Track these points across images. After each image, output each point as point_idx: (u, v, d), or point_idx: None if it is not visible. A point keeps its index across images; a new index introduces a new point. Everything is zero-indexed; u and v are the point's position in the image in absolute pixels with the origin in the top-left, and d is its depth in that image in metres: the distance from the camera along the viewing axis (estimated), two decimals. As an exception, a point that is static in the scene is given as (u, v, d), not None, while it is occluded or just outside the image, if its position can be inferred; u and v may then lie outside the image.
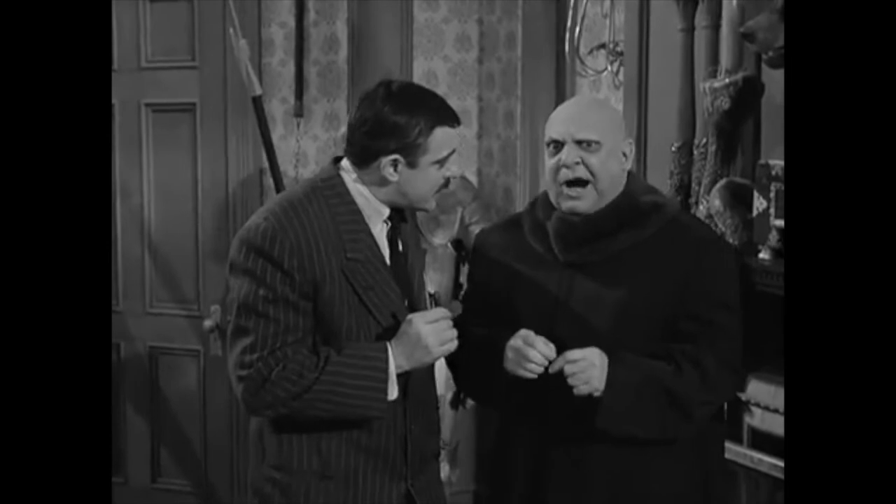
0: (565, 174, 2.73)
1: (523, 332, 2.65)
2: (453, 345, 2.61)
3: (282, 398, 2.54)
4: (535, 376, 2.63)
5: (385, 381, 2.55)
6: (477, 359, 2.77)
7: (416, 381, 2.68)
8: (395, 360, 2.56)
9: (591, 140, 2.71)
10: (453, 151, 2.64)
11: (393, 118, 2.57)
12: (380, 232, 2.66)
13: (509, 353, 2.66)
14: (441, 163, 2.62)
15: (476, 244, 3.03)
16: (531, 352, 2.62)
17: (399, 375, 2.58)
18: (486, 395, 2.98)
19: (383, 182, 2.61)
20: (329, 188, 2.64)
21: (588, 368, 2.60)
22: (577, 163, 2.71)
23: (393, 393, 2.57)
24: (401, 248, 2.71)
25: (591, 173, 2.72)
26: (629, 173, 2.83)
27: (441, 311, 2.61)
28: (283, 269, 2.53)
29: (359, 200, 2.63)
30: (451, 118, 2.62)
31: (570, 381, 2.60)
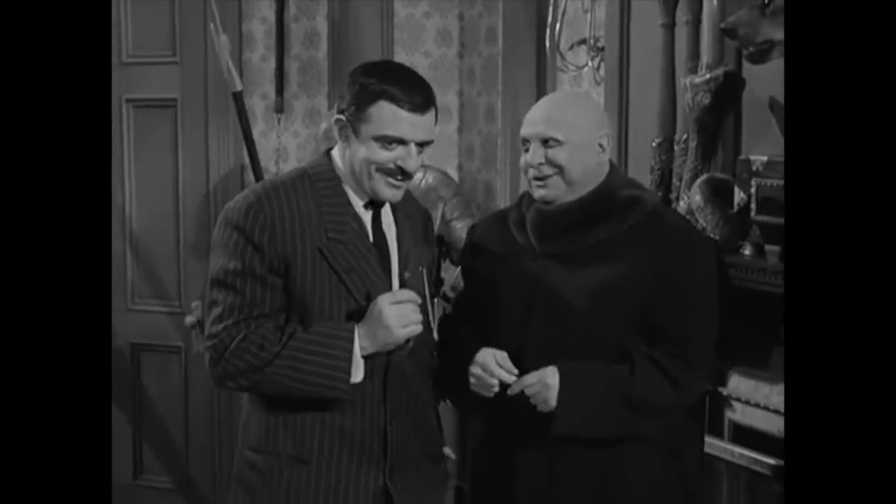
0: (532, 172, 2.78)
1: (480, 358, 2.71)
2: (417, 328, 2.58)
3: (241, 369, 2.55)
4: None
5: (349, 360, 2.54)
6: (451, 366, 2.82)
7: (397, 372, 2.65)
8: (361, 342, 2.55)
9: (556, 139, 2.73)
10: (403, 141, 2.55)
11: (355, 77, 2.58)
12: (368, 217, 2.66)
13: (472, 379, 2.73)
14: (382, 141, 2.54)
15: (468, 236, 3.06)
16: (490, 379, 2.70)
17: (370, 359, 2.57)
18: (459, 400, 3.02)
19: (343, 152, 2.61)
20: (318, 173, 2.65)
21: (544, 390, 2.68)
22: (542, 163, 2.75)
23: (357, 375, 2.56)
24: (392, 234, 2.69)
25: (558, 167, 2.74)
26: (611, 167, 2.85)
27: (407, 294, 2.58)
28: (253, 242, 2.55)
29: (347, 184, 2.63)
30: (409, 101, 2.53)
31: (532, 401, 2.69)
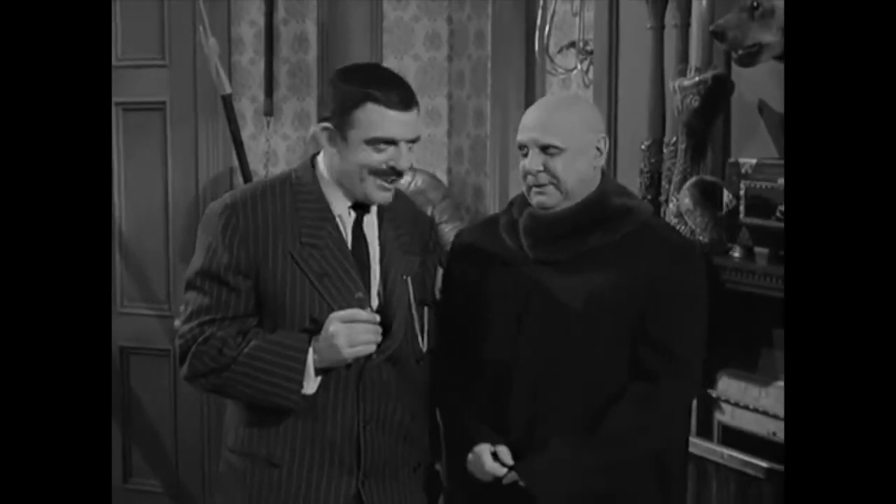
0: (530, 180, 2.76)
1: (478, 451, 2.71)
2: (367, 348, 2.55)
3: (201, 371, 2.58)
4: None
5: (301, 372, 2.53)
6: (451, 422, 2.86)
7: (373, 378, 2.63)
8: (315, 354, 2.54)
9: (554, 145, 2.71)
10: (393, 141, 2.56)
11: (335, 84, 2.58)
12: (349, 223, 2.65)
13: (469, 466, 2.74)
14: (373, 144, 2.55)
15: (454, 243, 3.01)
16: (483, 476, 2.71)
17: (336, 369, 2.57)
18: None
19: (331, 159, 2.61)
20: (299, 178, 2.65)
21: None
22: (540, 170, 2.72)
23: (310, 387, 2.56)
24: (375, 241, 2.68)
25: (555, 177, 2.72)
26: (603, 173, 2.83)
27: (358, 313, 2.54)
28: (223, 243, 2.56)
29: (328, 190, 2.63)
30: (393, 100, 2.53)
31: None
